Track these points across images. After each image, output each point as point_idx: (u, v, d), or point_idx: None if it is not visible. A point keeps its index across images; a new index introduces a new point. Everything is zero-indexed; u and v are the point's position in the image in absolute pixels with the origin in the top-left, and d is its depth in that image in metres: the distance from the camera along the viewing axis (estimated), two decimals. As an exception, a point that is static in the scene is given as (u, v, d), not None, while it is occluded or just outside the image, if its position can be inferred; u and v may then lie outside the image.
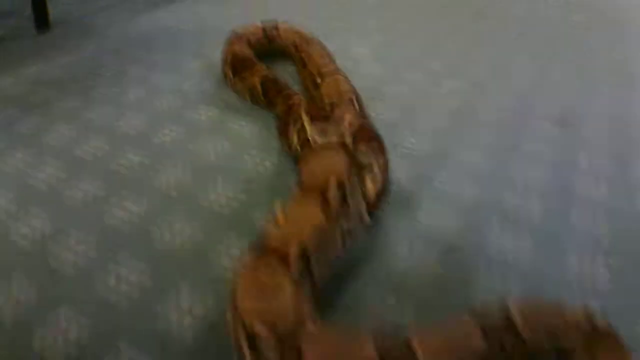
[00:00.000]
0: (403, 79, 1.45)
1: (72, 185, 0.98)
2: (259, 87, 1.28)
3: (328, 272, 0.83)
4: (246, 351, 0.66)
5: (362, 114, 1.05)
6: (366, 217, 0.94)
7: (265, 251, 0.76)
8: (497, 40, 1.75)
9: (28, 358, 0.65)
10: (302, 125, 1.00)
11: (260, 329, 0.64)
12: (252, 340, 0.65)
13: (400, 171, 1.05)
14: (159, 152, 1.12)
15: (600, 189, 1.02)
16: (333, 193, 0.85)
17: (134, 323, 0.71)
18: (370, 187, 0.95)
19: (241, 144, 1.17)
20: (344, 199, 0.86)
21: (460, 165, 1.11)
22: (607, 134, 1.23)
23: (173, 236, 0.90)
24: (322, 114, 1.00)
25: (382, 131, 1.03)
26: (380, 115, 1.22)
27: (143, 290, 0.78)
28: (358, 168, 0.92)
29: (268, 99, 1.26)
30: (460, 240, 0.92)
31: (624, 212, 0.96)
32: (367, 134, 0.96)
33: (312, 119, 1.00)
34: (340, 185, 0.86)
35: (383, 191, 0.97)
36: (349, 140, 0.94)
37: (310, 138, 0.99)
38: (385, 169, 0.98)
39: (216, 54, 1.45)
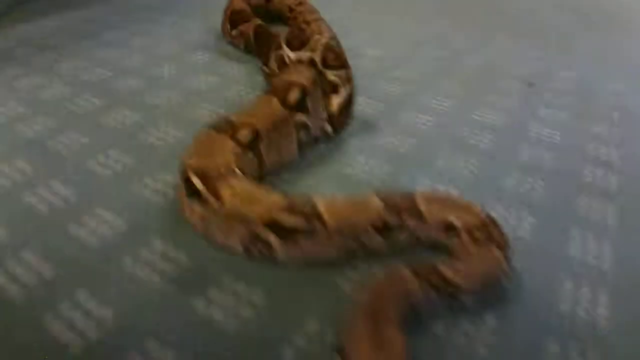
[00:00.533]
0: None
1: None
2: (252, 34, 1.40)
3: (279, 161, 0.96)
4: (184, 194, 0.82)
5: (337, 46, 1.14)
6: (327, 127, 1.05)
7: (221, 126, 0.88)
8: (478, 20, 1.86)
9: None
10: (281, 51, 1.11)
11: (192, 176, 0.79)
12: (188, 185, 0.80)
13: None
14: (157, 82, 1.28)
15: (555, 136, 1.12)
16: (293, 95, 0.97)
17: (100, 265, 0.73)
18: (335, 103, 1.06)
19: (230, 80, 1.31)
20: (303, 101, 0.97)
21: (428, 107, 1.21)
22: (566, 93, 1.32)
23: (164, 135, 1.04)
24: (300, 41, 1.10)
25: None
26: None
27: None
28: (324, 83, 1.04)
29: (259, 45, 1.37)
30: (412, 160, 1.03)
31: (568, 153, 1.07)
32: (338, 60, 1.07)
33: (291, 46, 1.10)
34: (302, 89, 0.97)
35: (346, 110, 1.08)
36: (318, 59, 1.04)
37: (287, 60, 1.10)
38: (350, 92, 1.09)
39: (218, 18, 1.59)
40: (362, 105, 1.18)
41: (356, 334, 0.57)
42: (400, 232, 0.78)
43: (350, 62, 1.09)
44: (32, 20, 1.61)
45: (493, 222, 0.76)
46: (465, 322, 0.67)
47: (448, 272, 0.67)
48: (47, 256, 0.73)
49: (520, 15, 2.03)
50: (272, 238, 0.77)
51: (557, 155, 1.04)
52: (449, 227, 0.77)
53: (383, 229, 0.77)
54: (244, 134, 0.88)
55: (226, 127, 0.88)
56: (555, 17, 2.03)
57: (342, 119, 1.07)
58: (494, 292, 0.70)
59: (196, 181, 0.80)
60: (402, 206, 0.78)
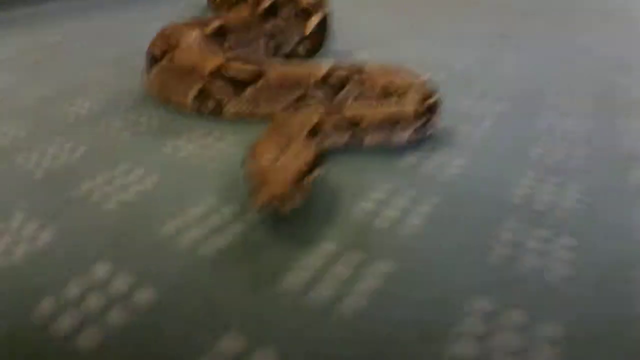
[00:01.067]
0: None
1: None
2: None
3: (244, 50, 1.00)
4: (145, 70, 0.90)
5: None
6: (300, 48, 1.11)
7: (189, 22, 0.96)
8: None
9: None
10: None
11: (153, 48, 0.89)
12: (149, 59, 0.90)
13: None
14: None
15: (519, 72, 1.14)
16: (263, 5, 1.03)
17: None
18: (309, 26, 1.12)
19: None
20: (274, 10, 1.04)
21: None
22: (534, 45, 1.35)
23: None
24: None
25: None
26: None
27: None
28: (297, 7, 1.10)
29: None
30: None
31: (525, 89, 1.08)
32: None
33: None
34: (273, 1, 1.04)
35: (320, 33, 1.13)
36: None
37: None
38: (323, 17, 1.14)
39: None
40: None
41: (262, 143, 0.60)
42: (340, 86, 0.81)
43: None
44: None
45: (429, 90, 0.77)
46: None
47: (349, 112, 0.70)
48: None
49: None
50: (218, 89, 0.81)
51: None
52: (385, 87, 0.79)
53: (324, 82, 0.80)
54: (211, 27, 0.93)
55: (195, 22, 0.94)
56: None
57: (315, 41, 1.12)
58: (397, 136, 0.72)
59: (155, 51, 0.88)
60: (349, 68, 0.82)
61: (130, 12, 1.61)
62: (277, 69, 0.81)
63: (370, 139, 0.71)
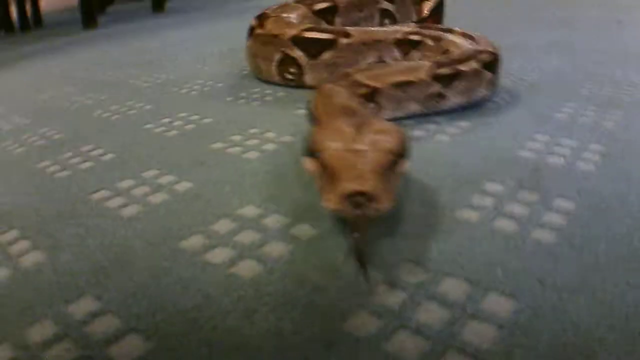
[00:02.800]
0: None
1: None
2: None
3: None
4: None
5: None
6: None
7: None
8: None
9: None
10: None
11: (254, 21, 0.88)
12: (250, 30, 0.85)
13: None
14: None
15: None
16: None
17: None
18: (425, 9, 1.09)
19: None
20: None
21: None
22: None
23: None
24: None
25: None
26: None
27: None
28: None
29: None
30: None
31: None
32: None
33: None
34: None
35: (436, 14, 1.10)
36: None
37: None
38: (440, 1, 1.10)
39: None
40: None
41: (326, 122, 0.46)
42: (417, 49, 0.77)
43: None
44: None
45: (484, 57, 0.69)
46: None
47: (361, 77, 0.63)
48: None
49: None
50: (299, 54, 0.79)
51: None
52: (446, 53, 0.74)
53: (404, 44, 0.77)
54: (320, 4, 0.91)
55: (305, 1, 0.92)
56: None
57: (431, 22, 1.08)
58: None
59: (253, 22, 0.86)
60: (426, 34, 0.77)
61: (222, 24, 1.64)
62: (357, 31, 0.78)
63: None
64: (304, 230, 0.42)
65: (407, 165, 0.40)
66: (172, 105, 0.78)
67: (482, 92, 0.67)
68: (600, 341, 0.29)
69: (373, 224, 0.37)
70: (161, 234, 0.43)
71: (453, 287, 0.34)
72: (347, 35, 0.76)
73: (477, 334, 0.31)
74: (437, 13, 1.10)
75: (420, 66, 0.64)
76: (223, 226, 0.44)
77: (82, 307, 0.35)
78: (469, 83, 0.65)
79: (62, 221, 0.47)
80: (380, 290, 0.35)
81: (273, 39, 0.80)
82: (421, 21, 1.07)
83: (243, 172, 0.53)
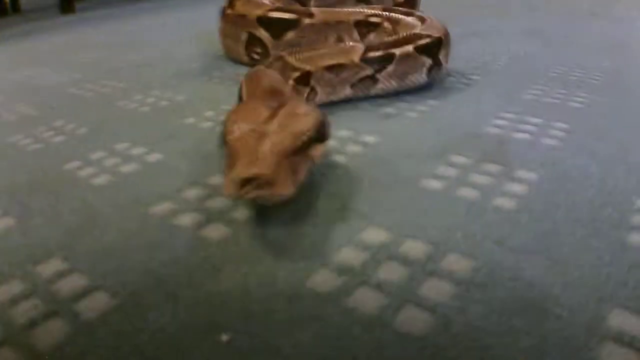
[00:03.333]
0: None
1: None
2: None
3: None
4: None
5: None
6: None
7: None
8: None
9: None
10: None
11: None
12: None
13: None
14: None
15: None
16: None
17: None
18: None
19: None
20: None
21: None
22: None
23: None
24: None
25: None
26: None
27: None
28: None
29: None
30: None
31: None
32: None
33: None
34: None
35: None
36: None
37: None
38: None
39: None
40: None
41: (242, 106, 0.45)
42: (375, 31, 0.77)
43: None
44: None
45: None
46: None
47: (293, 59, 0.61)
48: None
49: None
50: (264, 35, 0.80)
51: None
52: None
53: (363, 25, 0.77)
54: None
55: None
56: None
57: (408, 6, 1.08)
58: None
59: (225, 3, 0.88)
60: (385, 17, 0.77)
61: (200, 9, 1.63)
62: (321, 11, 0.79)
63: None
64: (272, 196, 0.42)
65: (323, 149, 0.40)
66: (147, 84, 0.77)
67: (419, 77, 0.66)
68: (555, 298, 0.31)
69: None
70: (131, 199, 0.44)
71: (414, 248, 0.36)
72: (310, 15, 0.77)
73: (435, 290, 0.32)
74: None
75: (354, 48, 0.62)
76: (193, 193, 0.44)
77: (50, 267, 0.36)
78: (402, 67, 0.63)
79: (34, 189, 0.47)
80: (343, 252, 0.35)
81: (240, 20, 0.81)
82: (397, 5, 1.07)
83: (215, 145, 0.53)
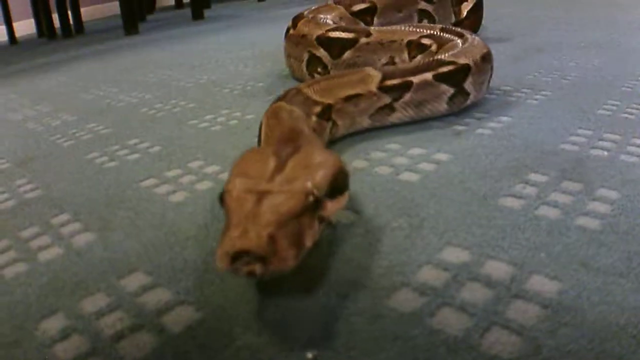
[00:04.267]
0: None
1: None
2: None
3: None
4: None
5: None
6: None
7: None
8: None
9: None
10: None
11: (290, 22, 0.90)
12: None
13: None
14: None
15: None
16: None
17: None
18: (464, 10, 1.09)
19: None
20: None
21: None
22: None
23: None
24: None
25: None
26: None
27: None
28: None
29: None
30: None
31: None
32: None
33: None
34: None
35: (474, 15, 1.10)
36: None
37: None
38: (478, 1, 1.10)
39: None
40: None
41: (250, 153, 0.39)
42: (423, 53, 0.75)
43: None
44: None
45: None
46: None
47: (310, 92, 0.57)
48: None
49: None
50: (324, 54, 0.81)
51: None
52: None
53: (414, 47, 0.75)
54: (358, 6, 0.92)
55: (344, 2, 0.94)
56: None
57: (470, 25, 1.08)
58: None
59: (290, 23, 0.89)
60: (436, 38, 0.75)
61: (263, 30, 1.67)
62: (379, 30, 0.79)
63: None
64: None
65: (339, 205, 0.35)
66: (215, 103, 0.79)
67: (439, 106, 0.62)
68: (648, 322, 0.29)
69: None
70: (209, 217, 0.44)
71: (496, 269, 0.35)
72: (368, 34, 0.77)
73: (522, 312, 0.31)
74: (475, 14, 1.10)
75: (371, 77, 0.59)
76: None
77: (134, 280, 0.37)
78: (419, 96, 0.60)
79: (112, 205, 0.48)
80: (424, 271, 0.35)
81: (302, 40, 0.82)
82: (459, 23, 1.07)
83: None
